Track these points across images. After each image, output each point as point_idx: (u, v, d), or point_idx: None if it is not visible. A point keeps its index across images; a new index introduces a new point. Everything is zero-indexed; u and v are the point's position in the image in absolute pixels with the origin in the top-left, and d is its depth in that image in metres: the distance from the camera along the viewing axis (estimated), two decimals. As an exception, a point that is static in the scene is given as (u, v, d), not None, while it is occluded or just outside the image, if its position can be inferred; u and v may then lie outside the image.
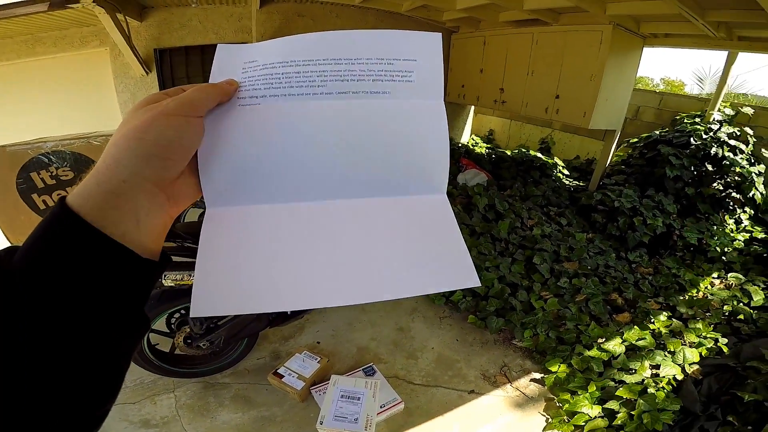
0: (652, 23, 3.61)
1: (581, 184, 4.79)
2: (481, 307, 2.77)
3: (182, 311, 1.93)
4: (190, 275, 1.65)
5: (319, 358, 2.18)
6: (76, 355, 0.26)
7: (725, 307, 2.73)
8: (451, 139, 6.30)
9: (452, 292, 2.88)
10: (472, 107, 6.61)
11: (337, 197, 0.38)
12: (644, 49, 3.88)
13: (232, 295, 0.33)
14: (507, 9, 4.17)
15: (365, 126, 0.39)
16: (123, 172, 0.30)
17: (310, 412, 1.95)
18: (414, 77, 0.40)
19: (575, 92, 3.92)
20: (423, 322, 2.73)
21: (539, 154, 5.30)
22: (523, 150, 5.35)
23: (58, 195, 2.44)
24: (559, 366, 2.31)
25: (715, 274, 3.19)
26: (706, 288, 3.03)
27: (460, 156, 5.36)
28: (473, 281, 0.35)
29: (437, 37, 0.42)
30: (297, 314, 2.15)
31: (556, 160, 5.25)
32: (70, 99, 5.05)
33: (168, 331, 1.99)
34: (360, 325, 2.64)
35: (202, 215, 2.07)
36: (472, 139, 6.88)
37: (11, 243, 2.46)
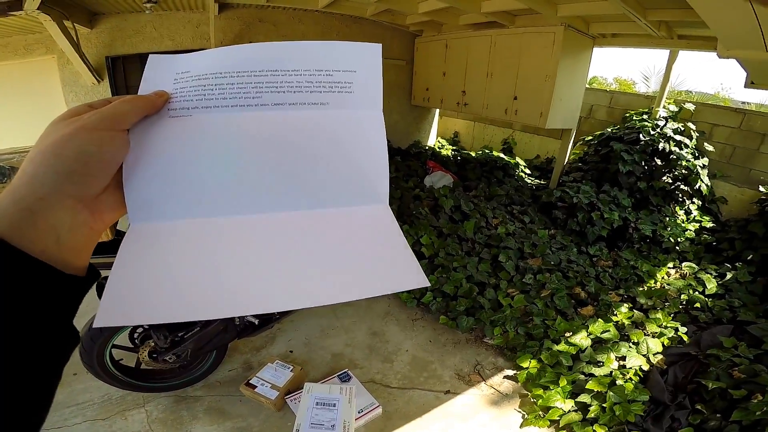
0: (601, 23, 3.78)
1: (542, 182, 4.97)
2: (451, 307, 2.81)
3: (144, 326, 1.87)
4: None
5: (291, 367, 2.15)
6: None
7: (682, 296, 2.89)
8: (417, 142, 6.39)
9: (423, 294, 2.92)
10: (437, 110, 6.71)
11: (272, 210, 0.37)
12: (594, 49, 4.06)
13: (143, 305, 0.31)
14: (466, 12, 4.28)
15: (302, 137, 0.38)
16: (40, 189, 0.29)
17: (287, 421, 1.93)
18: (353, 88, 0.39)
19: (532, 93, 4.05)
20: (396, 325, 2.75)
21: (502, 155, 5.45)
22: (487, 151, 5.49)
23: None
24: (530, 362, 2.37)
25: (670, 264, 3.37)
26: (662, 278, 3.20)
27: (426, 159, 5.42)
28: (422, 281, 0.34)
29: (377, 48, 0.41)
30: (266, 324, 2.10)
31: (518, 160, 5.41)
32: (15, 109, 4.78)
33: (132, 346, 1.93)
34: (333, 332, 2.63)
35: None
36: (438, 141, 6.99)
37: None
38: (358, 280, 0.34)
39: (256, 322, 2.04)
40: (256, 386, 2.04)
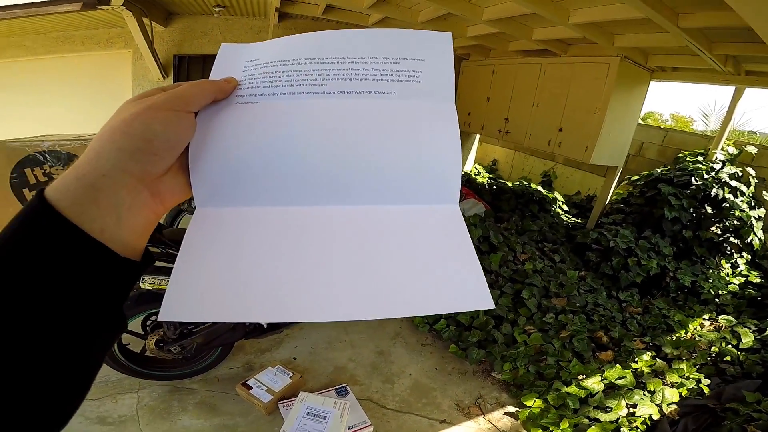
0: (660, 56, 3.83)
1: (580, 221, 5.01)
2: (463, 337, 2.94)
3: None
4: (168, 280, 1.84)
5: (291, 374, 2.36)
6: (45, 352, 0.26)
7: (713, 348, 2.87)
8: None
9: (436, 320, 3.07)
10: (477, 136, 6.90)
11: (337, 203, 0.38)
12: (651, 83, 4.11)
13: (209, 302, 0.32)
14: (517, 38, 4.44)
15: (369, 127, 0.39)
16: (104, 165, 0.31)
17: (275, 426, 2.11)
18: (422, 77, 0.41)
19: (578, 125, 4.12)
20: (404, 347, 2.91)
21: (540, 188, 5.53)
22: (525, 183, 5.60)
23: (47, 193, 2.72)
24: (535, 401, 2.46)
25: (706, 316, 3.34)
26: (695, 329, 3.18)
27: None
28: (487, 303, 0.33)
29: (447, 36, 0.43)
30: (275, 328, 2.33)
31: (556, 194, 5.48)
32: (89, 97, 5.61)
33: (142, 332, 2.16)
34: (340, 345, 2.83)
35: None
36: (476, 168, 7.16)
37: (-6, 232, 2.71)
38: (421, 295, 0.34)
39: (265, 325, 2.26)
40: (252, 387, 2.25)
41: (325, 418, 2.02)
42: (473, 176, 6.39)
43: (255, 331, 2.27)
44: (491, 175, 6.73)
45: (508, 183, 5.91)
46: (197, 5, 5.00)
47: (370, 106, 0.39)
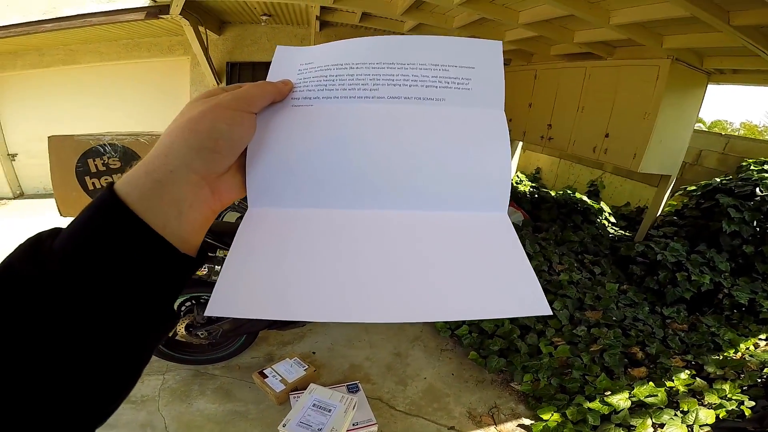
0: (717, 57, 3.58)
1: (627, 233, 4.74)
2: (485, 344, 2.89)
3: (193, 300, 2.28)
4: (204, 268, 1.99)
5: (306, 367, 2.46)
6: (101, 344, 0.27)
7: (765, 370, 2.61)
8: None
9: (458, 325, 3.03)
10: (521, 143, 6.76)
11: (389, 207, 0.39)
12: (710, 86, 3.86)
13: (256, 299, 0.33)
14: (558, 42, 4.35)
15: (418, 133, 0.40)
16: (172, 162, 0.33)
17: (283, 416, 2.17)
18: (471, 85, 0.42)
19: (626, 131, 3.94)
20: (423, 351, 2.91)
21: (585, 198, 5.31)
22: (569, 192, 5.40)
23: (105, 180, 3.15)
24: (552, 414, 2.37)
25: (762, 336, 3.04)
26: (747, 349, 2.91)
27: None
28: (543, 309, 0.33)
29: (497, 45, 0.44)
30: (298, 321, 2.43)
31: (603, 205, 5.22)
32: (151, 100, 6.32)
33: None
34: (359, 344, 2.90)
35: (239, 219, 2.53)
36: (518, 176, 7.00)
37: (60, 212, 3.13)
38: (473, 298, 0.34)
39: None
40: (267, 377, 2.37)
41: (330, 411, 2.07)
42: (514, 184, 6.25)
43: (278, 322, 2.38)
44: (533, 184, 6.56)
45: (551, 192, 5.73)
46: (246, 14, 5.47)
47: (419, 111, 0.41)
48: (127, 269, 0.29)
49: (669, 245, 3.71)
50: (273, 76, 0.44)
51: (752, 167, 4.01)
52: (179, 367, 2.50)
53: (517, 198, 5.39)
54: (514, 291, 0.34)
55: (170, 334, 2.39)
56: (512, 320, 3.04)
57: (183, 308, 2.31)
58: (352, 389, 2.40)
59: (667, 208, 4.43)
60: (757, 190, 3.70)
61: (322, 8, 4.90)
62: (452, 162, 0.39)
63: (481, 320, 3.00)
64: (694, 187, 4.28)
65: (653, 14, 2.81)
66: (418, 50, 0.43)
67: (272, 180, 0.39)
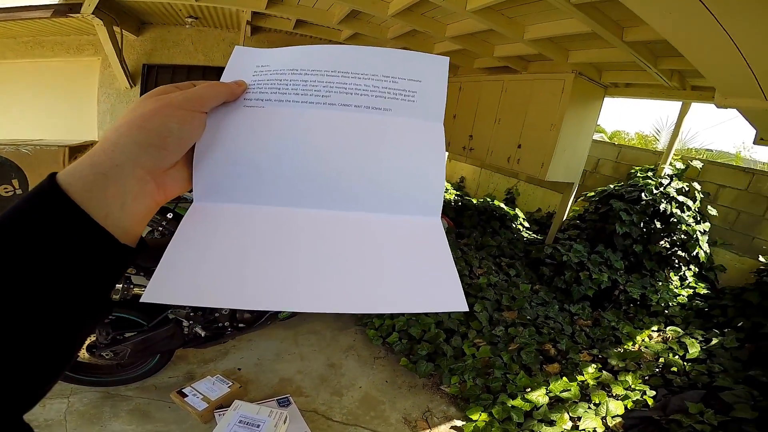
0: (613, 72, 4.03)
1: (539, 237, 5.20)
2: (414, 350, 3.02)
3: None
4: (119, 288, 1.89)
5: (231, 383, 2.41)
6: (32, 328, 0.28)
7: (660, 360, 3.01)
8: (422, 183, 6.73)
9: (389, 333, 3.14)
10: (446, 153, 7.07)
11: (329, 208, 0.41)
12: (606, 99, 4.33)
13: (194, 287, 0.34)
14: (480, 56, 4.66)
15: (363, 140, 0.42)
16: (119, 157, 0.34)
17: (211, 434, 2.15)
18: (416, 98, 0.45)
19: (536, 142, 4.30)
20: (356, 360, 2.98)
21: (503, 205, 5.72)
22: (488, 199, 5.78)
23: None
24: (480, 414, 2.53)
25: (654, 328, 3.51)
26: (642, 341, 3.33)
27: (425, 201, 5.72)
28: (461, 305, 0.36)
29: (445, 60, 0.47)
30: (215, 339, 2.37)
31: (518, 211, 5.67)
32: (55, 103, 5.71)
33: None
34: (289, 357, 2.88)
35: (151, 233, 2.37)
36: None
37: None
38: (398, 293, 0.37)
39: (203, 334, 2.30)
40: (187, 395, 2.28)
41: (258, 426, 2.03)
42: (440, 192, 6.54)
43: (194, 340, 2.30)
44: (458, 192, 6.91)
45: (473, 200, 6.09)
46: (170, 16, 5.15)
47: (366, 120, 0.43)
48: (63, 256, 0.29)
49: (573, 247, 4.15)
50: (228, 75, 0.46)
51: (639, 174, 4.58)
52: (85, 389, 2.31)
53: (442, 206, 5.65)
54: (439, 288, 0.37)
55: None
56: (437, 324, 3.21)
57: None
58: (283, 403, 2.39)
59: (571, 213, 4.92)
60: (643, 195, 4.24)
61: (254, 13, 4.82)
62: (391, 169, 0.42)
63: (410, 326, 3.14)
64: (592, 193, 4.80)
65: (561, 29, 3.13)
66: (372, 61, 0.45)
67: (218, 176, 0.40)
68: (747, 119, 2.95)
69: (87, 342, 2.11)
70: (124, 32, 4.84)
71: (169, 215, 3.25)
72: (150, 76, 5.62)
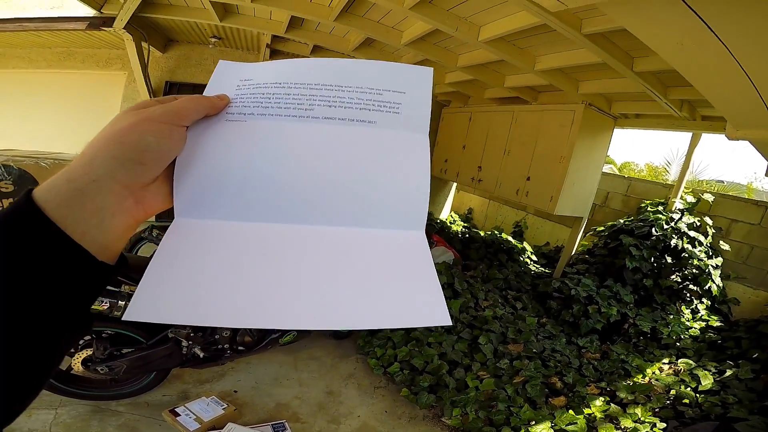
0: (623, 102, 4.03)
1: (547, 270, 5.15)
2: (416, 381, 2.97)
3: (93, 335, 2.16)
4: (101, 301, 1.93)
5: (225, 405, 2.38)
6: (9, 343, 0.28)
7: (671, 392, 2.91)
8: (430, 214, 6.77)
9: (390, 363, 3.10)
10: (455, 184, 7.15)
11: (312, 223, 0.41)
12: (617, 130, 4.32)
13: (177, 305, 0.34)
14: (491, 86, 4.70)
15: (347, 153, 0.42)
16: (95, 172, 0.33)
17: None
18: (401, 109, 0.44)
19: (545, 174, 4.26)
20: (356, 389, 2.94)
21: (510, 238, 5.71)
22: (496, 232, 5.77)
23: (-7, 204, 2.83)
24: (481, 448, 2.46)
25: (665, 360, 3.41)
26: (653, 373, 3.23)
27: (433, 232, 5.75)
28: (444, 320, 0.35)
29: (428, 72, 0.47)
30: (213, 360, 2.37)
31: (526, 245, 5.66)
32: (80, 114, 5.90)
33: (72, 350, 2.18)
34: (287, 382, 2.85)
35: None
36: (451, 216, 7.36)
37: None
38: (381, 308, 0.36)
39: (201, 355, 2.31)
40: (180, 415, 2.26)
41: None
42: (448, 224, 6.56)
43: (192, 360, 2.31)
44: (466, 224, 6.93)
45: (480, 232, 6.09)
46: (196, 35, 5.43)
47: (350, 133, 0.43)
48: (38, 274, 0.29)
49: (581, 281, 4.09)
50: (211, 89, 0.45)
51: (649, 208, 4.56)
52: (74, 401, 2.30)
53: (449, 238, 5.66)
54: (422, 303, 0.37)
55: (64, 368, 2.23)
56: (441, 356, 3.16)
57: (81, 342, 2.18)
58: (278, 428, 2.36)
59: (580, 248, 4.89)
60: (653, 230, 4.21)
61: (274, 37, 5.04)
62: (376, 182, 0.42)
63: (412, 357, 3.09)
64: (602, 228, 4.78)
65: (572, 60, 3.18)
66: (356, 74, 0.45)
67: (199, 192, 0.40)
68: (759, 150, 2.94)
69: (83, 355, 2.14)
70: (151, 48, 5.10)
71: None
72: (171, 93, 5.84)
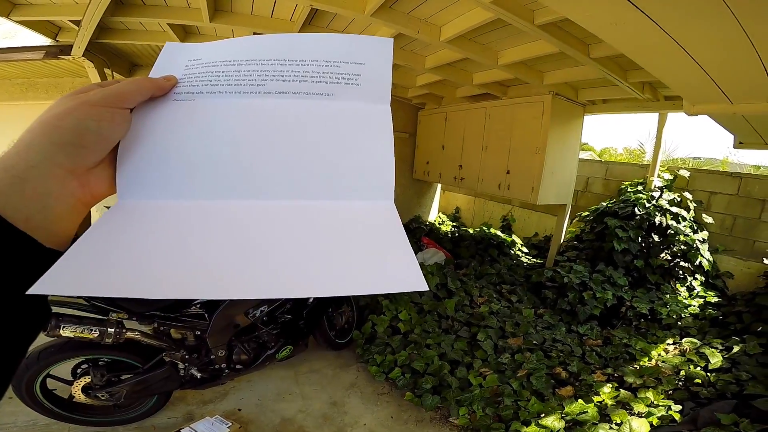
0: (588, 89, 4.14)
1: (539, 261, 5.19)
2: (418, 384, 2.94)
3: (90, 363, 2.15)
4: (90, 330, 1.89)
5: (230, 424, 2.34)
6: None
7: (681, 373, 2.92)
8: (417, 217, 6.80)
9: (391, 369, 3.07)
10: (439, 185, 7.20)
11: (271, 198, 0.39)
12: (586, 117, 4.43)
13: (102, 276, 0.31)
14: (461, 84, 4.78)
15: (303, 126, 0.41)
16: (34, 157, 0.32)
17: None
18: (361, 80, 0.43)
19: (523, 166, 4.35)
20: (359, 397, 2.90)
21: (499, 232, 5.76)
22: (484, 228, 5.81)
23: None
24: (492, 445, 2.44)
25: (670, 341, 3.43)
26: (658, 356, 3.25)
27: (422, 234, 5.76)
28: (420, 285, 0.33)
29: (388, 42, 0.45)
30: (213, 380, 2.36)
31: (515, 238, 5.70)
32: None
33: (71, 378, 2.17)
34: (290, 397, 2.82)
35: None
36: (440, 217, 7.40)
37: None
38: (352, 274, 0.34)
39: (199, 376, 2.30)
40: None
41: None
42: (437, 225, 6.59)
43: (191, 381, 2.31)
44: (454, 223, 6.96)
45: (469, 230, 6.13)
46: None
47: (306, 106, 0.41)
48: None
49: (573, 268, 4.13)
50: (157, 71, 0.44)
51: (629, 189, 4.64)
52: (81, 428, 2.31)
53: (438, 238, 5.69)
54: (394, 269, 0.35)
55: (66, 396, 2.21)
56: (441, 356, 3.15)
57: (78, 370, 2.17)
58: (286, 445, 2.33)
59: (568, 235, 4.94)
60: (636, 209, 4.29)
61: None
62: (337, 155, 0.40)
63: (412, 360, 3.07)
64: (587, 213, 4.84)
65: (532, 52, 3.25)
66: (311, 47, 0.44)
67: (143, 173, 0.38)
68: (721, 125, 3.03)
69: (82, 383, 2.14)
70: (115, 74, 4.99)
71: None
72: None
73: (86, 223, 0.34)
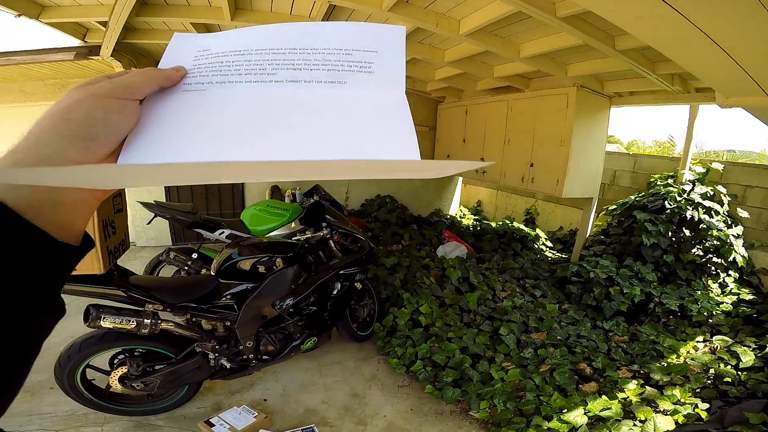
0: (614, 81, 4.04)
1: (564, 256, 5.12)
2: (439, 377, 2.98)
3: (127, 353, 2.25)
4: (129, 320, 1.98)
5: (256, 413, 2.42)
6: None
7: (710, 371, 2.86)
8: (438, 211, 6.80)
9: (413, 362, 3.11)
10: (460, 179, 7.17)
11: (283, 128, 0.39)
12: (613, 109, 4.33)
13: (167, 148, 0.35)
14: (481, 77, 4.75)
15: (316, 113, 0.40)
16: (43, 150, 0.32)
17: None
18: (374, 68, 0.43)
19: (548, 159, 4.30)
20: (380, 389, 2.95)
21: (522, 226, 5.71)
22: (507, 222, 5.78)
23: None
24: (513, 438, 2.45)
25: (699, 338, 3.35)
26: (687, 353, 3.18)
27: (443, 228, 5.77)
28: (413, 155, 0.36)
29: (400, 29, 0.46)
30: (241, 370, 2.46)
31: (539, 231, 5.64)
32: None
33: (108, 369, 2.28)
34: (313, 388, 2.89)
35: (176, 273, 2.60)
36: (461, 210, 7.37)
37: None
38: (350, 142, 0.36)
39: (228, 366, 2.40)
40: (215, 425, 2.33)
41: None
42: (458, 219, 6.58)
43: (221, 371, 2.41)
44: (476, 217, 6.93)
45: (491, 223, 6.10)
46: None
47: (317, 94, 0.41)
48: None
49: (599, 263, 4.07)
50: (166, 62, 0.44)
51: (659, 182, 4.54)
52: (118, 418, 2.44)
53: (460, 232, 5.67)
54: (392, 141, 0.37)
55: (104, 387, 2.32)
56: (462, 350, 3.17)
57: (116, 360, 2.28)
58: (308, 433, 2.40)
59: (594, 229, 4.85)
60: (666, 203, 4.18)
61: None
62: (356, 127, 0.40)
63: (433, 353, 3.10)
64: (614, 207, 4.74)
65: (555, 44, 3.19)
66: (323, 36, 0.44)
67: (146, 158, 0.38)
68: (756, 117, 2.93)
69: (119, 373, 2.25)
70: None
71: (194, 255, 3.38)
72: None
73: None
